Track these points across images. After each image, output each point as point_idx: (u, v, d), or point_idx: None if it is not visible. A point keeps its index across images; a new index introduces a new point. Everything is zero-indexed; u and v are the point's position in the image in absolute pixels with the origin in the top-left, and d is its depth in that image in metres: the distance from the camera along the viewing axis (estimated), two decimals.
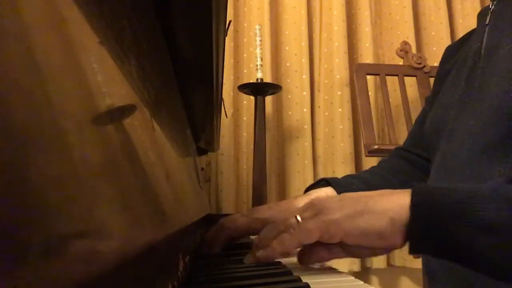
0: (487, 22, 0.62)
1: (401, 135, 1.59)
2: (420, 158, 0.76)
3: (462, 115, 0.60)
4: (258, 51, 1.50)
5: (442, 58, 0.79)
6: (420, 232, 0.39)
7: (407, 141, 0.83)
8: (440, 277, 0.57)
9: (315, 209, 0.44)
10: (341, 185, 0.68)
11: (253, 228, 0.60)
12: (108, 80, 0.21)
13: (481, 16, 0.65)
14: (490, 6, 0.63)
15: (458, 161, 0.57)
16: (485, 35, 0.61)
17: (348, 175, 0.77)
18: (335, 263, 0.48)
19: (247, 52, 1.70)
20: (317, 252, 0.44)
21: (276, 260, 0.49)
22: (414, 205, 0.39)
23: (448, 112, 0.63)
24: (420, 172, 0.74)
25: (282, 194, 1.66)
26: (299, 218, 0.44)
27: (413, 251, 0.40)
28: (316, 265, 0.48)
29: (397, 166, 0.78)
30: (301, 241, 0.43)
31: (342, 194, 0.46)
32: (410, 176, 0.75)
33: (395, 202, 0.40)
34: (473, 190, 0.38)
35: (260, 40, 1.52)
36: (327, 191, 0.67)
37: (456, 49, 0.74)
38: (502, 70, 0.54)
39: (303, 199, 0.65)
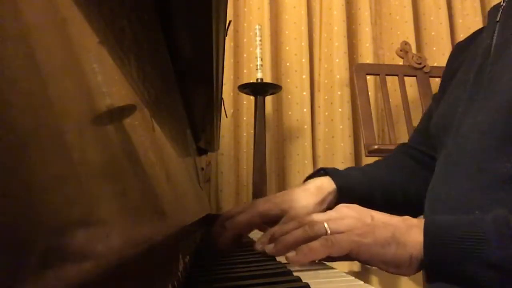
0: (498, 19, 0.62)
1: (401, 135, 1.59)
2: (425, 155, 0.76)
3: (470, 111, 0.59)
4: (258, 51, 1.50)
5: (450, 56, 0.78)
6: (432, 270, 0.44)
7: (413, 138, 0.83)
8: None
9: (347, 223, 0.46)
10: (340, 176, 0.68)
11: (254, 223, 0.62)
12: (108, 80, 0.21)
13: (492, 13, 0.65)
14: (502, 3, 0.63)
15: (465, 157, 0.57)
16: (496, 32, 0.61)
17: (350, 167, 0.78)
18: (335, 263, 0.49)
19: (247, 52, 1.70)
20: (321, 257, 0.46)
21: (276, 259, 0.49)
22: (426, 246, 0.44)
23: (456, 108, 0.63)
24: (423, 168, 0.74)
25: None
26: (326, 226, 0.46)
27: (428, 282, 0.45)
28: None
29: (400, 162, 0.79)
30: (331, 253, 0.44)
31: (370, 212, 0.48)
32: (413, 172, 0.75)
33: (414, 238, 0.44)
34: (478, 227, 0.42)
35: (260, 40, 1.52)
36: (323, 181, 0.68)
37: (465, 47, 0.73)
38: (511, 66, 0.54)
39: (301, 189, 0.67)
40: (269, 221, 0.62)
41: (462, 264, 0.42)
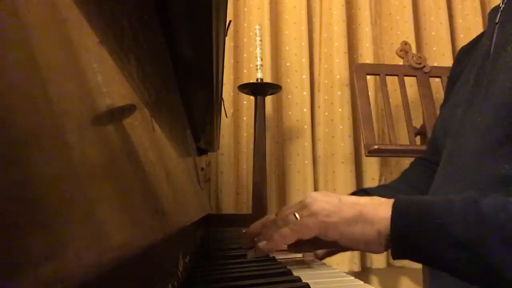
0: (497, 21, 0.62)
1: (401, 135, 1.59)
2: (436, 165, 0.77)
3: (469, 113, 0.60)
4: (258, 51, 1.50)
5: (454, 61, 0.80)
6: (398, 245, 0.44)
7: (426, 150, 0.85)
8: (443, 274, 0.57)
9: (313, 209, 0.48)
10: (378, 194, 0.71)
11: None
12: (108, 80, 0.21)
13: (492, 15, 0.65)
14: (501, 4, 0.63)
15: (464, 158, 0.57)
16: (495, 33, 0.61)
17: (382, 186, 0.82)
18: (335, 263, 0.50)
19: (247, 52, 1.70)
20: (304, 246, 0.50)
21: (276, 259, 0.49)
22: (393, 221, 0.44)
23: (456, 110, 0.63)
24: None
25: (282, 194, 1.66)
26: (297, 215, 0.48)
27: (394, 258, 0.46)
28: (309, 257, 0.53)
29: (419, 175, 0.82)
30: (301, 236, 0.47)
31: (337, 196, 0.50)
32: (428, 184, 0.76)
33: (381, 215, 0.45)
34: (446, 206, 0.43)
35: (260, 40, 1.52)
36: None
37: (468, 52, 0.74)
38: (510, 67, 0.54)
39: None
40: None
41: (427, 241, 0.42)
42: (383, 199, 0.47)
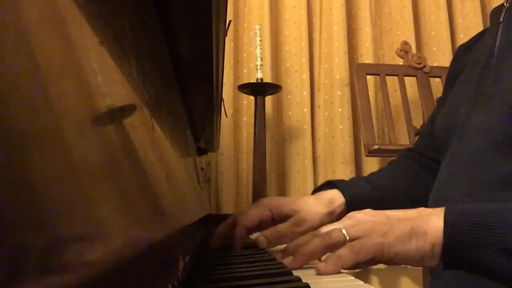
0: (501, 20, 0.62)
1: (401, 135, 1.59)
2: (429, 159, 0.76)
3: (473, 112, 0.59)
4: (258, 51, 1.50)
5: (453, 58, 0.79)
6: (452, 257, 0.44)
7: (417, 143, 0.83)
8: (445, 274, 0.57)
9: (365, 227, 0.45)
10: (348, 188, 0.70)
11: (265, 216, 0.63)
12: (108, 80, 0.21)
13: (495, 14, 0.65)
14: (505, 4, 0.63)
15: (468, 158, 0.57)
16: (499, 33, 0.61)
17: (355, 177, 0.79)
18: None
19: (247, 52, 1.70)
20: (350, 265, 0.45)
21: (276, 259, 0.49)
22: (447, 232, 0.43)
23: (459, 109, 0.63)
24: (428, 172, 0.74)
25: (282, 194, 1.66)
26: (345, 232, 0.45)
27: (446, 269, 0.45)
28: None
29: (405, 168, 0.79)
30: (359, 260, 0.44)
31: (383, 212, 0.48)
32: (418, 177, 0.76)
33: (433, 227, 0.44)
34: (500, 214, 0.42)
35: (260, 40, 1.52)
36: (333, 193, 0.69)
37: (468, 49, 0.74)
38: None
39: (314, 197, 0.69)
40: (278, 218, 0.63)
41: (481, 251, 0.41)
42: (430, 210, 0.46)
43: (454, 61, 0.78)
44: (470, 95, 0.61)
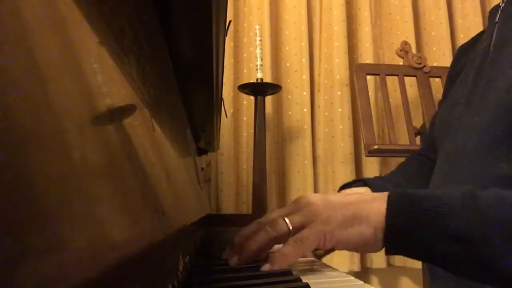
0: (496, 20, 0.62)
1: (401, 135, 1.59)
2: (432, 161, 0.77)
3: (468, 111, 0.60)
4: (258, 51, 1.50)
5: (454, 59, 0.80)
6: (394, 242, 0.42)
7: (422, 146, 0.84)
8: (442, 274, 0.57)
9: (307, 212, 0.44)
10: (377, 187, 0.69)
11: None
12: (108, 80, 0.21)
13: (492, 14, 0.66)
14: (501, 4, 0.63)
15: (462, 157, 0.57)
16: (495, 33, 0.61)
17: (379, 177, 0.80)
18: (335, 263, 0.49)
19: (247, 52, 1.70)
20: (296, 260, 0.45)
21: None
22: (389, 215, 0.42)
23: (455, 109, 0.63)
24: (430, 173, 0.75)
25: (282, 194, 1.66)
26: (287, 221, 0.44)
27: (388, 253, 0.43)
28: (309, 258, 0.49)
29: (414, 170, 0.80)
30: (304, 253, 0.43)
31: (327, 196, 0.46)
32: (425, 179, 0.76)
33: (376, 211, 0.43)
34: (446, 199, 0.41)
35: (260, 40, 1.52)
36: (363, 191, 0.69)
37: (467, 50, 0.74)
38: (509, 66, 0.54)
39: (341, 194, 0.68)
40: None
41: (421, 233, 0.40)
42: (376, 194, 0.45)
43: (454, 62, 0.78)
44: (465, 94, 0.62)
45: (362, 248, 0.44)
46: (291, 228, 0.44)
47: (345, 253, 1.54)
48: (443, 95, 0.79)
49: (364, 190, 0.69)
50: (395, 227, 0.42)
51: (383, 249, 0.44)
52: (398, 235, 0.42)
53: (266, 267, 0.42)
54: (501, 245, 0.38)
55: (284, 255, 0.43)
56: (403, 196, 0.43)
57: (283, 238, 0.44)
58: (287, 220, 0.44)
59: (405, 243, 0.42)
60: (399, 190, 0.44)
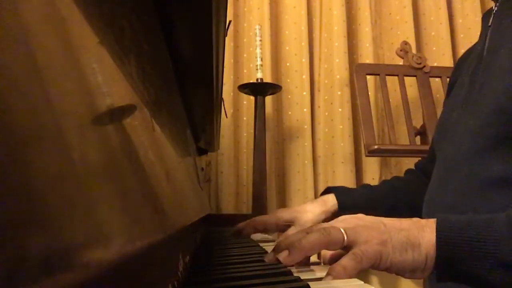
0: (489, 24, 0.62)
1: (401, 135, 1.59)
2: (427, 177, 0.77)
3: (463, 115, 0.60)
4: (258, 51, 1.50)
5: (455, 66, 0.81)
6: (444, 270, 0.44)
7: (426, 157, 0.85)
8: None
9: (363, 232, 0.44)
10: (341, 192, 0.78)
11: (269, 223, 0.74)
12: (108, 80, 0.21)
13: (485, 18, 0.66)
14: (493, 7, 0.63)
15: (457, 161, 0.58)
16: (488, 37, 0.61)
17: (360, 186, 0.87)
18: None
19: (247, 52, 1.70)
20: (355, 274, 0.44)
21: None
22: (438, 245, 0.44)
23: (452, 113, 0.64)
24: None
25: (282, 194, 1.66)
26: (343, 232, 0.44)
27: (439, 281, 0.45)
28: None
29: (407, 177, 0.85)
30: (363, 268, 0.43)
31: (380, 219, 0.47)
32: (419, 184, 0.78)
33: (427, 240, 0.44)
34: (492, 226, 0.42)
35: (260, 40, 1.52)
36: (328, 196, 0.78)
37: (466, 58, 0.75)
38: (501, 70, 0.55)
39: (310, 201, 0.79)
40: (282, 225, 0.73)
41: (474, 263, 0.41)
42: (424, 221, 0.46)
43: (454, 69, 0.80)
44: (461, 99, 0.63)
45: (410, 274, 0.45)
46: (345, 238, 0.44)
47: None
48: (443, 103, 0.80)
49: (330, 196, 0.77)
50: (445, 257, 0.43)
51: None
52: (448, 264, 0.43)
53: (328, 278, 0.41)
54: None
55: (344, 268, 0.42)
56: (450, 224, 0.44)
57: (335, 245, 0.44)
58: (342, 230, 0.44)
59: (455, 272, 0.43)
60: (445, 216, 0.46)
